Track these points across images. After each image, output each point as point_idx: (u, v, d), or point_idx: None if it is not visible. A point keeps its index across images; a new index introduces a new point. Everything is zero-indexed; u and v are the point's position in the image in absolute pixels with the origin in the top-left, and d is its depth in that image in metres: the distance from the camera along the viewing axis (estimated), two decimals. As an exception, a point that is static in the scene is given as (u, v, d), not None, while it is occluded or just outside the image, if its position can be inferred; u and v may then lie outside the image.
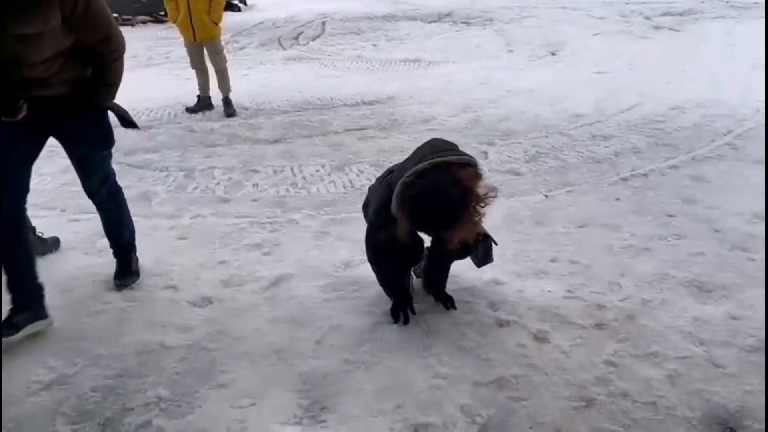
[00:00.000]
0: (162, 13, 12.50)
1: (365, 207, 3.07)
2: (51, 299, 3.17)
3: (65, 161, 4.89)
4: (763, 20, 11.04)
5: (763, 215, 3.96)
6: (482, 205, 2.44)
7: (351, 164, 5.01)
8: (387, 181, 2.73)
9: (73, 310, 3.10)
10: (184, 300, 3.20)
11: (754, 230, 3.80)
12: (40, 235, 3.65)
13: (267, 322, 3.00)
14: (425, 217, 2.43)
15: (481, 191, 2.43)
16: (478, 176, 2.46)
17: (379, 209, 2.70)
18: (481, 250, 2.92)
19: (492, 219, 3.94)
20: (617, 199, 4.33)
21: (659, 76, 7.79)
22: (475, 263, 3.02)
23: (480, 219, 2.48)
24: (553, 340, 2.83)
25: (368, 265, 3.46)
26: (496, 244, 2.95)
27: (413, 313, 2.98)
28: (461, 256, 2.96)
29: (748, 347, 2.75)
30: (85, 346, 2.82)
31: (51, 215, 4.15)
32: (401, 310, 2.95)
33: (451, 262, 3.02)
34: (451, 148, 2.62)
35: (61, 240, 3.77)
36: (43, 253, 3.61)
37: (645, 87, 7.22)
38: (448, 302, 3.08)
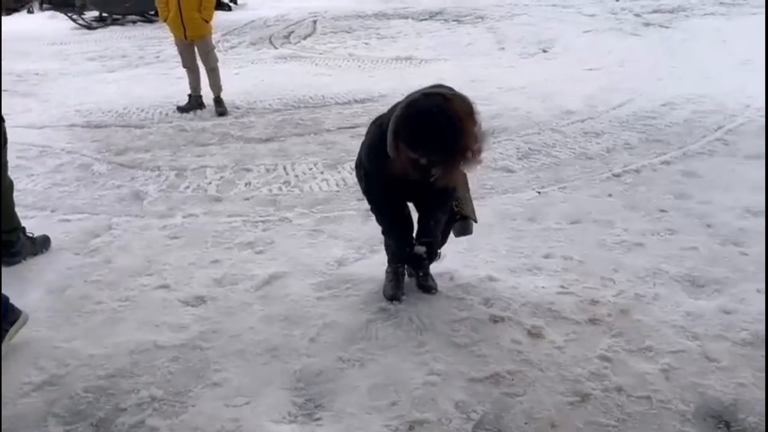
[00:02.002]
0: (152, 12, 12.42)
1: (358, 166, 2.92)
2: (42, 300, 3.16)
3: (55, 161, 4.88)
4: (753, 17, 11.11)
5: (755, 210, 3.98)
6: (477, 143, 2.33)
7: (343, 162, 5.00)
8: (379, 121, 2.64)
9: (64, 311, 3.08)
10: (176, 299, 3.18)
11: (745, 225, 3.82)
12: (30, 235, 3.63)
13: (260, 321, 2.99)
14: (424, 136, 2.28)
15: (476, 128, 2.33)
16: (472, 111, 2.34)
17: (372, 147, 2.64)
18: (459, 226, 2.99)
19: (485, 216, 3.98)
20: (610, 195, 4.34)
21: (650, 72, 7.81)
22: (455, 234, 3.08)
23: (476, 159, 2.37)
24: (547, 335, 2.84)
25: (362, 263, 3.49)
26: (475, 221, 3.03)
27: (412, 271, 3.15)
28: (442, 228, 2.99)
29: (741, 341, 2.76)
30: (77, 347, 2.80)
31: (41, 215, 4.12)
32: (402, 260, 2.96)
33: (438, 228, 2.93)
34: (448, 87, 2.52)
35: (52, 240, 3.74)
36: (34, 254, 3.58)
37: (636, 84, 7.23)
38: (430, 285, 3.17)
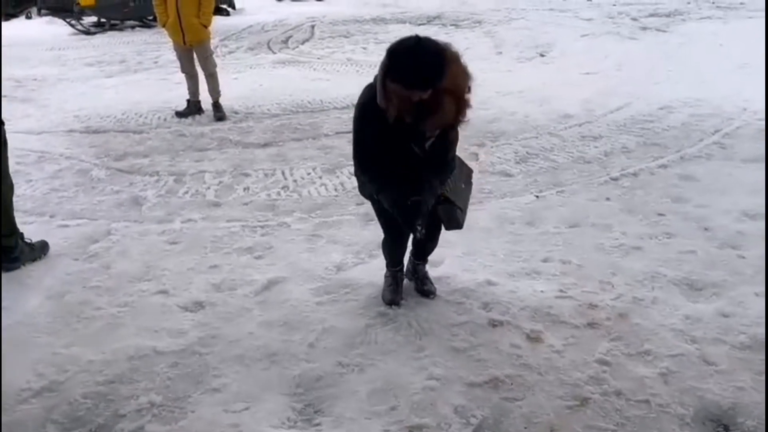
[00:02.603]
0: (150, 17, 12.45)
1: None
2: (41, 306, 3.16)
3: (54, 166, 4.88)
4: (750, 20, 11.16)
5: (752, 213, 4.00)
6: (464, 75, 2.41)
7: (342, 167, 5.00)
8: (368, 86, 2.63)
9: (63, 317, 3.08)
10: (175, 305, 3.19)
11: (743, 228, 3.83)
12: (28, 241, 3.64)
13: (259, 326, 2.99)
14: (409, 63, 2.33)
15: (461, 62, 2.41)
16: (456, 52, 2.42)
17: (363, 105, 2.62)
18: (442, 211, 2.84)
19: (483, 220, 4.00)
20: (608, 199, 4.35)
21: (647, 76, 7.83)
22: (444, 225, 2.94)
23: (464, 96, 2.45)
24: (546, 339, 2.84)
25: (360, 267, 3.48)
26: (462, 210, 2.88)
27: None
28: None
29: (740, 344, 2.77)
30: (76, 353, 2.80)
31: (40, 221, 4.12)
32: (408, 225, 2.73)
33: (431, 194, 2.72)
34: None
35: (51, 246, 3.74)
36: (33, 260, 3.59)
37: (633, 87, 7.26)
38: (429, 289, 3.18)
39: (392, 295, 3.13)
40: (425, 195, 2.68)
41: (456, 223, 2.87)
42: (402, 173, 2.68)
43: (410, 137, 2.60)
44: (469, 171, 3.03)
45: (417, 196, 2.67)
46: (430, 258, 3.27)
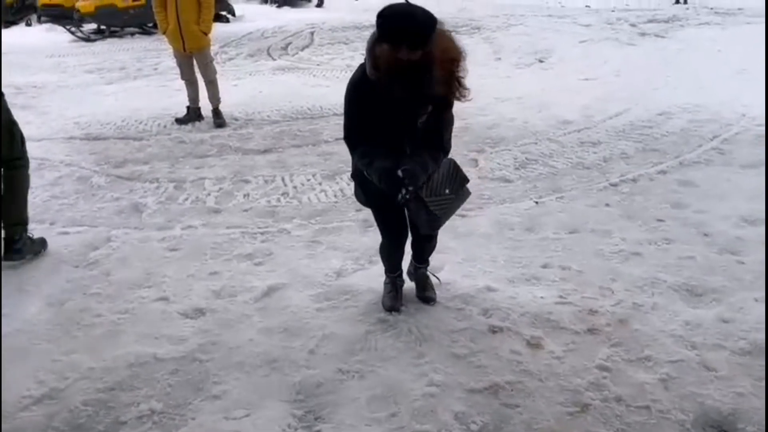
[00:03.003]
0: (150, 24, 12.49)
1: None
2: (41, 313, 3.16)
3: (54, 174, 4.89)
4: (748, 26, 11.20)
5: (751, 219, 4.00)
6: (455, 52, 2.40)
7: (342, 173, 5.01)
8: (360, 65, 2.61)
9: (63, 324, 3.08)
10: (176, 311, 3.19)
11: (742, 233, 3.84)
12: (30, 236, 3.70)
13: (260, 333, 2.99)
14: (397, 21, 2.32)
15: (453, 41, 2.42)
16: (450, 32, 2.44)
17: (353, 81, 2.57)
18: (412, 210, 2.72)
19: (483, 226, 4.01)
20: (607, 205, 4.36)
21: (646, 82, 7.85)
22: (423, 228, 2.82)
23: (454, 73, 2.42)
24: (546, 345, 2.84)
25: (360, 273, 3.49)
26: (434, 215, 2.69)
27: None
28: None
29: (740, 350, 2.77)
30: (77, 360, 2.80)
31: (40, 228, 4.12)
32: (393, 193, 2.58)
33: (421, 172, 2.60)
34: None
35: (52, 253, 3.75)
36: (36, 253, 3.69)
37: (632, 93, 7.27)
38: (429, 296, 3.16)
39: (392, 301, 3.13)
40: (415, 167, 2.56)
41: (424, 227, 2.78)
42: (392, 153, 2.61)
43: (401, 113, 2.53)
44: (464, 179, 2.82)
45: (405, 167, 2.55)
46: (430, 264, 3.26)
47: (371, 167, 2.61)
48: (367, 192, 2.85)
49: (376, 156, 2.60)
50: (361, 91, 2.53)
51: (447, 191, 2.73)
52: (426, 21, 2.32)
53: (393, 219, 2.94)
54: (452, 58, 2.42)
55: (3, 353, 2.77)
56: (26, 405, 2.54)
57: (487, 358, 2.76)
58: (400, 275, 3.22)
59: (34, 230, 4.01)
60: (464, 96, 2.54)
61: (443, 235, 3.76)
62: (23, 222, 3.70)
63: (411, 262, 3.26)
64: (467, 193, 2.89)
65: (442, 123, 2.65)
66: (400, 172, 2.54)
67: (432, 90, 2.44)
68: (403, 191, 2.55)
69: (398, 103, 2.47)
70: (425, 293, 3.21)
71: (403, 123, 2.58)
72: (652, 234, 3.90)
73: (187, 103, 6.67)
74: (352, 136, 2.65)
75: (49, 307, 3.23)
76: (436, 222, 2.78)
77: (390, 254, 3.13)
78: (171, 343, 2.92)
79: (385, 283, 3.21)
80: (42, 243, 3.78)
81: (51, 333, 3.01)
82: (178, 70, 6.74)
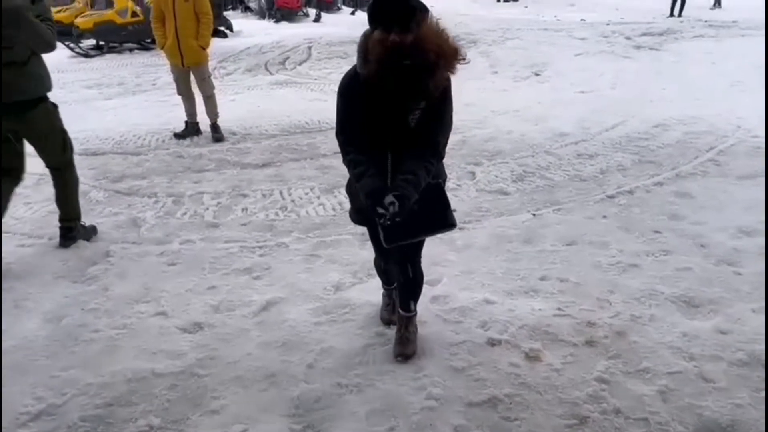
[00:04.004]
0: (148, 40, 12.56)
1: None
2: (39, 329, 3.16)
3: (52, 189, 4.88)
4: (742, 38, 11.29)
5: (748, 230, 4.02)
6: (450, 43, 2.29)
7: (340, 187, 5.02)
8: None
9: (61, 340, 3.07)
10: (174, 326, 3.18)
11: (739, 245, 3.85)
12: (83, 224, 4.17)
13: (258, 347, 2.99)
14: (392, 4, 2.29)
15: (447, 34, 2.31)
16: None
17: (344, 81, 2.50)
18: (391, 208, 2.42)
19: (481, 238, 4.02)
20: (604, 217, 4.37)
21: (641, 94, 7.91)
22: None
23: (448, 44, 2.29)
24: (544, 358, 2.84)
25: (359, 287, 3.49)
26: (396, 216, 2.41)
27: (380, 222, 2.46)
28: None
29: (737, 361, 2.77)
30: (74, 376, 2.79)
31: (38, 243, 4.13)
32: (372, 198, 2.41)
33: (413, 186, 2.43)
34: None
35: (50, 269, 3.74)
36: (86, 239, 4.11)
37: (628, 105, 7.32)
38: (399, 350, 2.85)
39: (390, 315, 3.13)
40: (406, 188, 2.40)
41: (386, 238, 2.52)
42: (383, 157, 2.49)
43: (393, 109, 2.41)
44: (446, 222, 2.59)
45: (396, 191, 2.39)
46: (427, 277, 3.02)
47: (360, 181, 2.49)
48: (356, 209, 2.79)
49: (368, 169, 2.47)
50: (352, 87, 2.46)
51: (415, 207, 2.46)
52: (417, 3, 2.31)
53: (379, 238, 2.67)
54: (446, 49, 2.28)
55: (1, 369, 2.76)
56: (24, 422, 2.53)
57: (485, 371, 2.76)
58: (396, 287, 3.17)
59: (32, 246, 4.02)
60: (455, 65, 2.34)
61: (441, 247, 3.79)
62: (77, 216, 4.15)
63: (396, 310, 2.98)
64: (446, 223, 2.61)
65: (437, 123, 2.49)
66: (390, 198, 2.37)
67: (424, 81, 2.30)
68: (386, 216, 2.37)
69: (390, 97, 2.35)
70: (403, 348, 2.86)
71: (395, 120, 2.45)
72: (649, 246, 3.91)
73: (185, 118, 6.70)
74: (344, 131, 2.54)
75: (46, 323, 3.22)
76: (390, 233, 2.49)
77: (385, 269, 3.11)
78: (169, 358, 2.92)
79: (383, 296, 3.21)
80: (93, 230, 4.24)
81: (49, 349, 3.00)
82: (175, 86, 6.78)
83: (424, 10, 2.32)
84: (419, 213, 2.49)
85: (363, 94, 2.40)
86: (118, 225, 4.46)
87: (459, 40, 2.41)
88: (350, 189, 2.81)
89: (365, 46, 2.36)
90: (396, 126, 2.46)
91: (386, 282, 3.17)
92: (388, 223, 2.40)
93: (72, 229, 4.10)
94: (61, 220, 4.10)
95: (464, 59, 2.33)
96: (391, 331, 3.03)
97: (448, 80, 2.39)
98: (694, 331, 3.00)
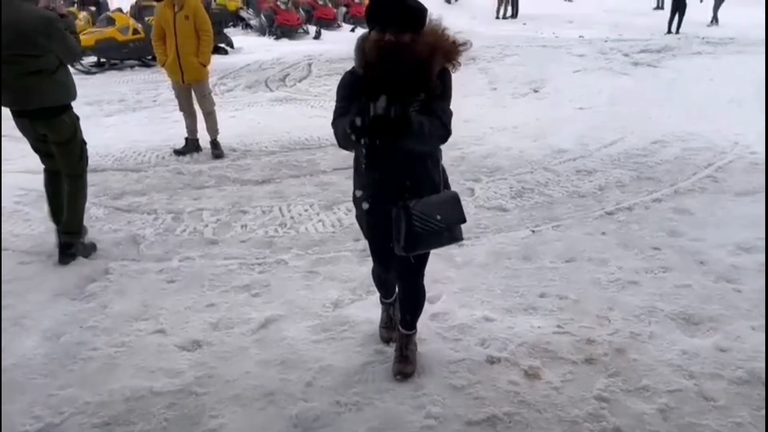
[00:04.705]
0: (149, 57, 12.63)
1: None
2: (38, 347, 3.15)
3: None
4: (739, 55, 11.36)
5: (747, 246, 4.02)
6: (450, 41, 2.34)
7: (339, 203, 5.04)
8: None
9: (59, 358, 3.06)
10: (172, 344, 3.18)
11: (738, 261, 3.85)
12: (82, 241, 4.19)
13: (257, 365, 2.98)
14: (389, 2, 2.33)
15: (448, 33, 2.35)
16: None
17: (342, 80, 2.52)
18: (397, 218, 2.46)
19: (480, 255, 4.02)
20: (603, 233, 4.38)
21: (639, 111, 7.94)
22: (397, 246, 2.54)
23: (446, 39, 2.33)
24: (544, 376, 2.84)
25: (358, 304, 3.49)
26: (416, 234, 2.44)
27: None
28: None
29: (737, 379, 2.77)
30: (72, 394, 2.79)
31: (37, 260, 4.13)
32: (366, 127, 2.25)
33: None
34: None
35: (49, 287, 3.74)
36: (85, 256, 4.13)
37: (626, 122, 7.35)
38: (398, 368, 2.83)
39: (389, 333, 3.12)
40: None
41: (398, 245, 2.49)
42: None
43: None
44: (460, 217, 2.58)
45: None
46: (426, 294, 2.97)
47: (348, 123, 2.29)
48: (365, 224, 2.76)
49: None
50: (351, 83, 2.46)
51: (438, 217, 2.49)
52: (414, 3, 2.34)
53: (385, 249, 2.64)
54: (446, 45, 2.33)
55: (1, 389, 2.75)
56: (21, 440, 2.52)
57: (485, 389, 2.75)
58: (395, 302, 3.13)
59: (32, 263, 4.02)
60: (455, 56, 2.38)
61: (441, 264, 3.79)
62: (79, 232, 4.18)
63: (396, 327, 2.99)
64: (457, 236, 2.60)
65: (438, 107, 2.39)
66: (382, 101, 2.23)
67: (420, 77, 2.29)
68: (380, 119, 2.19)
69: (387, 94, 2.27)
70: (403, 367, 2.85)
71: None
72: (648, 262, 3.92)
73: (186, 135, 6.72)
74: (338, 117, 2.46)
75: (45, 341, 3.21)
76: (413, 241, 2.46)
77: (384, 279, 3.02)
78: (167, 377, 2.91)
79: (382, 311, 3.20)
80: (93, 247, 4.27)
81: (47, 367, 2.99)
82: (176, 102, 6.81)
83: (422, 10, 2.36)
84: (441, 222, 2.49)
85: (361, 91, 2.36)
86: (117, 242, 4.46)
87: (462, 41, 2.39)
88: (356, 201, 2.73)
89: (363, 46, 2.40)
90: None
91: (385, 295, 3.14)
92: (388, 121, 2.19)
93: (72, 245, 4.12)
94: (63, 232, 4.12)
95: (465, 46, 2.36)
96: (390, 349, 3.03)
97: (447, 72, 2.41)
98: (693, 348, 3.00)
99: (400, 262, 2.65)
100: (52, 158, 4.10)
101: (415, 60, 2.28)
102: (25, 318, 3.43)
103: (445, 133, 2.39)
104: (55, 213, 4.18)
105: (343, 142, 2.41)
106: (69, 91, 3.98)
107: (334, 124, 2.46)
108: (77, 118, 4.10)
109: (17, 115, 3.91)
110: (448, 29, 2.37)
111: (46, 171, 4.19)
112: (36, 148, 4.13)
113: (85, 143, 4.20)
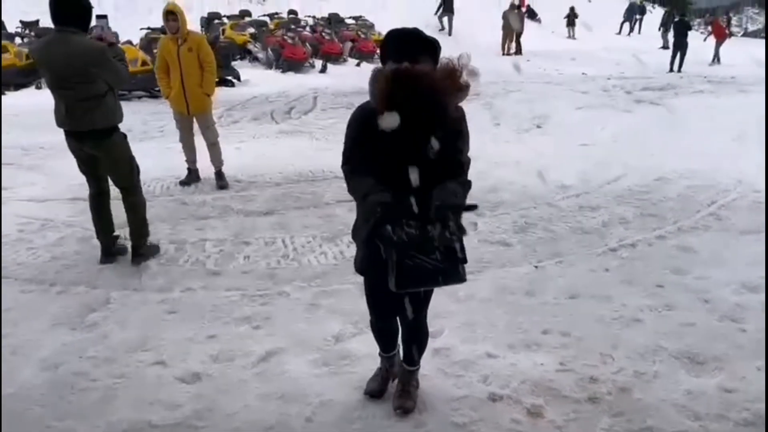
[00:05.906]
0: (157, 88, 12.76)
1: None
2: (35, 378, 3.13)
3: (56, 234, 4.90)
4: (741, 94, 11.46)
5: (751, 285, 4.00)
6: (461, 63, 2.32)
7: (342, 235, 5.03)
8: None
9: (58, 389, 3.04)
10: (172, 376, 3.15)
11: (742, 300, 3.83)
12: (149, 243, 4.63)
13: (257, 399, 2.95)
14: (399, 34, 2.43)
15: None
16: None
17: (353, 116, 2.50)
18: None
19: (483, 290, 4.00)
20: (606, 270, 4.36)
21: (642, 147, 7.98)
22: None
23: (457, 68, 2.30)
24: (547, 414, 2.80)
25: (359, 338, 3.46)
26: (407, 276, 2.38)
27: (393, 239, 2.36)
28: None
29: (743, 421, 2.73)
30: (70, 426, 2.76)
31: (39, 289, 4.12)
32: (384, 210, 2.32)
33: (451, 195, 2.42)
34: None
35: (49, 316, 3.73)
36: (152, 256, 4.58)
37: (629, 158, 7.38)
38: (400, 404, 2.80)
39: (375, 383, 2.94)
40: (441, 193, 2.32)
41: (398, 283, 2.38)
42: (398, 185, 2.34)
43: (408, 141, 2.32)
44: (460, 256, 2.50)
45: (438, 201, 2.31)
46: (429, 329, 2.93)
47: (367, 198, 2.33)
48: (361, 256, 2.70)
49: (375, 187, 2.34)
50: (364, 117, 2.42)
51: (438, 255, 2.38)
52: (429, 37, 2.42)
53: (381, 291, 2.54)
54: (452, 74, 2.30)
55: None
56: (16, 473, 2.49)
57: (487, 428, 2.71)
58: (395, 355, 2.97)
59: (33, 292, 4.02)
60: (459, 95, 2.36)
61: (443, 299, 3.75)
62: (145, 235, 4.61)
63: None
64: (459, 277, 2.50)
65: (457, 149, 2.46)
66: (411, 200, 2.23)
67: (436, 111, 2.29)
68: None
69: (403, 128, 2.28)
70: (403, 402, 2.82)
71: (412, 151, 2.34)
72: (652, 300, 3.89)
73: (187, 166, 6.76)
74: (350, 161, 2.48)
75: (43, 371, 3.19)
76: (405, 281, 2.37)
77: (382, 332, 2.90)
78: (166, 409, 2.88)
79: (380, 360, 3.01)
80: (157, 248, 4.72)
81: (45, 398, 2.97)
82: (179, 133, 6.84)
83: (436, 45, 2.40)
84: (438, 261, 2.39)
85: (375, 126, 2.31)
86: (119, 272, 4.45)
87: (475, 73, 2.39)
88: (356, 233, 2.68)
89: (377, 78, 2.36)
90: (414, 158, 2.35)
91: (384, 348, 2.95)
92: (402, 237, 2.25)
93: (141, 247, 4.53)
94: (131, 239, 4.54)
95: (468, 85, 2.35)
96: (392, 385, 2.99)
97: (461, 110, 2.44)
98: (698, 388, 2.96)
99: (404, 300, 2.58)
100: (96, 180, 4.46)
101: (432, 87, 2.26)
102: (23, 347, 3.42)
103: (464, 172, 2.53)
104: (99, 231, 4.58)
105: (360, 201, 2.45)
106: (116, 114, 4.32)
107: (348, 174, 2.50)
108: (125, 136, 4.45)
109: (70, 135, 4.28)
110: (463, 64, 2.33)
111: (91, 195, 4.53)
112: (83, 170, 4.47)
113: (133, 158, 4.52)
